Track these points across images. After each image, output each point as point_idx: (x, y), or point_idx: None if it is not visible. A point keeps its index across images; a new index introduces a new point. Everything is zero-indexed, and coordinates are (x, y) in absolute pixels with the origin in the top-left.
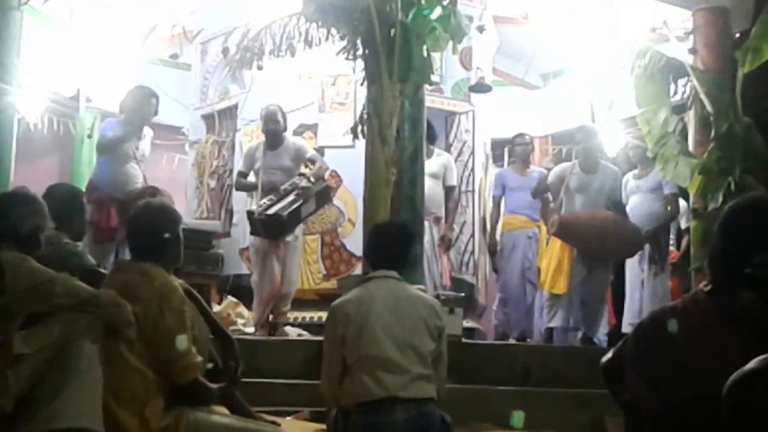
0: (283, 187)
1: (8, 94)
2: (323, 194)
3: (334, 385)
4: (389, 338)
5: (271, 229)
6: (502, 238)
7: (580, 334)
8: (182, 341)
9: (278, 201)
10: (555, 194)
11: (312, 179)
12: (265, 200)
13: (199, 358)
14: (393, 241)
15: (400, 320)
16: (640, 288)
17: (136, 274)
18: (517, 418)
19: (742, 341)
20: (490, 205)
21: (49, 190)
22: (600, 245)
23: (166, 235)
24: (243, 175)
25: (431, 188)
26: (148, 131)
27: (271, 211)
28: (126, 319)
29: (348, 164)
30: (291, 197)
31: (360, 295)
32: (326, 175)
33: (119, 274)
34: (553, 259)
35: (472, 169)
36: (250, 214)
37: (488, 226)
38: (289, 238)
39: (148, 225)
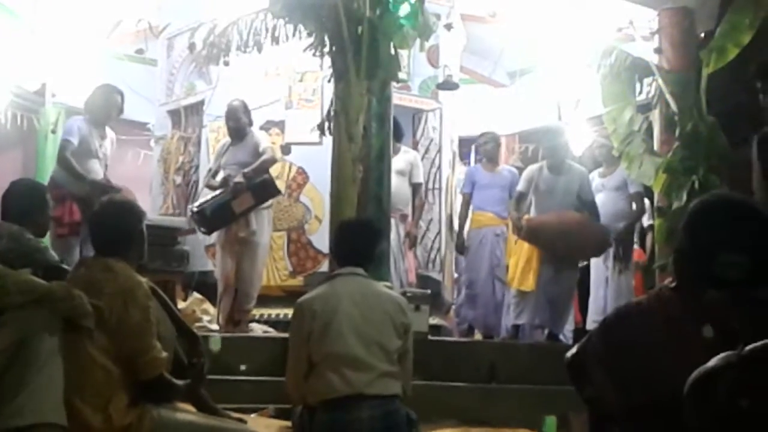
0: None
1: None
2: (263, 187)
3: (300, 382)
4: (355, 335)
5: (200, 224)
6: (470, 235)
7: (546, 331)
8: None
9: (216, 197)
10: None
11: (248, 173)
12: (209, 196)
13: (165, 354)
14: (359, 239)
15: (367, 317)
16: (605, 285)
17: (100, 270)
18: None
19: (705, 339)
20: (457, 202)
21: (12, 186)
22: (567, 248)
23: (129, 231)
24: (213, 173)
25: (398, 185)
26: (110, 133)
27: (197, 207)
28: (82, 311)
29: (315, 161)
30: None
31: (326, 292)
32: (270, 168)
33: (83, 269)
34: (522, 257)
35: (439, 167)
36: (189, 210)
37: (455, 224)
38: (242, 234)
39: (111, 221)
